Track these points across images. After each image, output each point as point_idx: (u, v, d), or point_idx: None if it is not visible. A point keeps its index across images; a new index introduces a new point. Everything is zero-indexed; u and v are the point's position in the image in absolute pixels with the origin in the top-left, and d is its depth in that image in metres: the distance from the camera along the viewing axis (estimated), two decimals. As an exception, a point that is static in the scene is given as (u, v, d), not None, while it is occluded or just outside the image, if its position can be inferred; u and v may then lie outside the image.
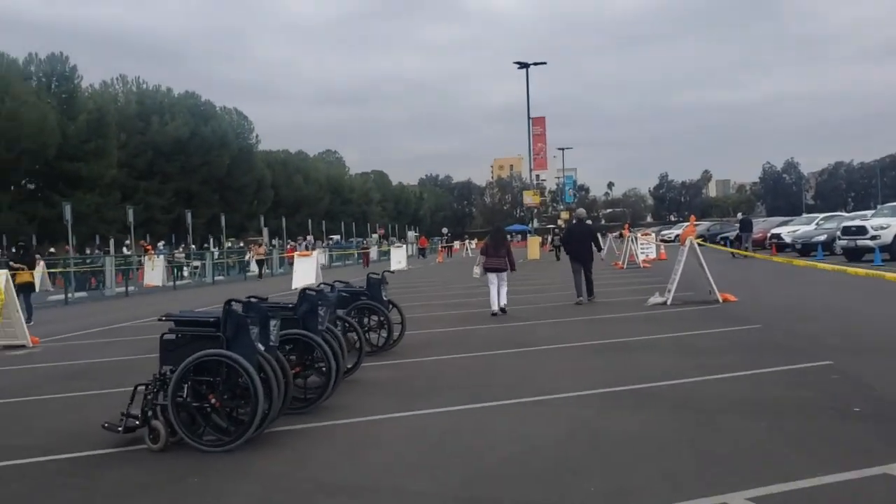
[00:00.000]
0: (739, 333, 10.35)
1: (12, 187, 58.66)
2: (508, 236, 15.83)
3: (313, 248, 52.92)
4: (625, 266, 29.99)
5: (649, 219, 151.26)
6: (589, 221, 20.00)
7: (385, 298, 10.04)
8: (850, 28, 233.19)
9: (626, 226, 39.07)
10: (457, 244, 72.83)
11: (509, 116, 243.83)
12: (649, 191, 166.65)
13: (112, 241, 31.77)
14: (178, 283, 33.66)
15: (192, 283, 33.36)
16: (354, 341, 8.37)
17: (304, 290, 6.87)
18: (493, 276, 14.28)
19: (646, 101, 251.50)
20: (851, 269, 8.45)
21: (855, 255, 26.71)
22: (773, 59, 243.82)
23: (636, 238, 32.23)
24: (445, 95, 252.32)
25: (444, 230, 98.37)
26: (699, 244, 14.97)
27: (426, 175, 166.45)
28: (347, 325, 8.42)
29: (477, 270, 14.91)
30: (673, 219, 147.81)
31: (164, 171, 71.10)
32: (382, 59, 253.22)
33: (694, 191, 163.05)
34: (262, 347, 5.62)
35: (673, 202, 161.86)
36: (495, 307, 14.16)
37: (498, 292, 14.23)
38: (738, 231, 37.54)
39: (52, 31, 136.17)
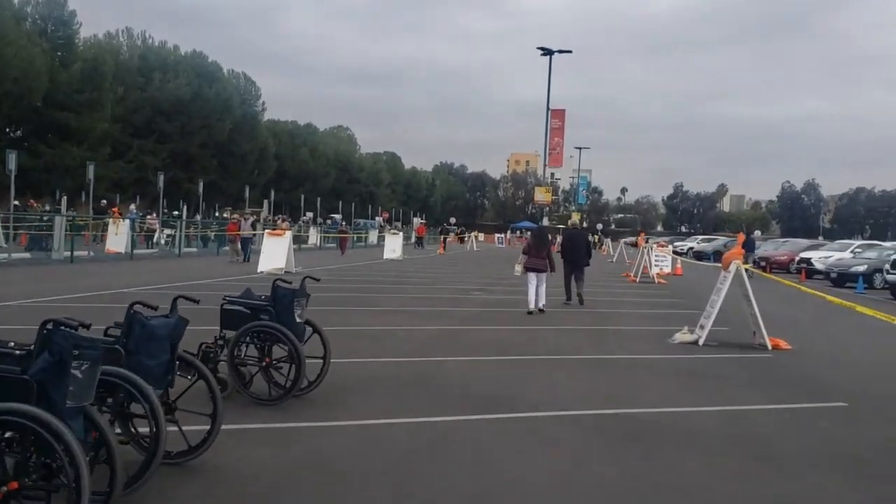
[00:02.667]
0: (820, 416, 7.01)
1: (-3, 132, 55.48)
2: (550, 236, 16.85)
3: (308, 225, 49.53)
4: (637, 279, 26.63)
5: (660, 228, 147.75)
6: (599, 225, 19.22)
7: (298, 319, 6.69)
8: (884, 52, 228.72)
9: (641, 234, 35.57)
10: (452, 235, 68.73)
11: (531, 111, 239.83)
12: (663, 199, 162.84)
13: (64, 199, 28.32)
14: (139, 250, 30.39)
15: (155, 254, 29.98)
16: (209, 390, 5.03)
17: (47, 325, 3.47)
18: (532, 276, 14.47)
19: (668, 109, 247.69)
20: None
21: (905, 293, 23.50)
22: (802, 78, 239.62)
23: (651, 249, 28.78)
24: (469, 85, 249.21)
25: (452, 220, 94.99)
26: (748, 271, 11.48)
27: (440, 162, 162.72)
28: (195, 371, 5.06)
29: (518, 269, 15.39)
30: (684, 230, 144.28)
31: (163, 130, 67.79)
32: (411, 44, 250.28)
33: (708, 203, 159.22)
34: None
35: (686, 213, 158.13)
36: (532, 306, 14.34)
37: (537, 292, 14.41)
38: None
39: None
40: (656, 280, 26.41)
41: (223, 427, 5.55)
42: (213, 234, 37.25)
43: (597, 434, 6.09)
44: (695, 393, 7.79)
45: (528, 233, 17.23)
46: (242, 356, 6.72)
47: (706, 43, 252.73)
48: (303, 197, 62.45)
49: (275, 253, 23.12)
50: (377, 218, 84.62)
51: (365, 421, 6.16)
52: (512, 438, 5.86)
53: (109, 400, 4.22)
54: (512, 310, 15.20)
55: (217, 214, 51.85)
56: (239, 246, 27.55)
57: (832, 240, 65.37)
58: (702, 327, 11.29)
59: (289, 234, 23.98)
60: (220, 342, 6.73)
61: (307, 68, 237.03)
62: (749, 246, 35.47)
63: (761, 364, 9.77)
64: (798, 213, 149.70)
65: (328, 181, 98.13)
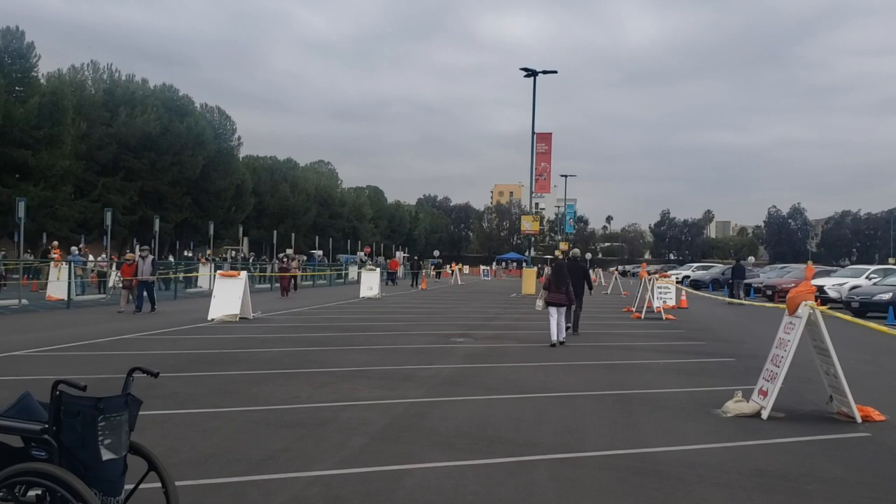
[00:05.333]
0: None
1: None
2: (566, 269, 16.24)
3: (292, 261, 46.33)
4: (642, 315, 23.63)
5: (648, 256, 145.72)
6: (588, 255, 20.29)
7: (109, 453, 3.60)
8: (858, 80, 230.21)
9: (644, 265, 32.57)
10: (431, 268, 64.73)
11: (514, 143, 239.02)
12: (650, 227, 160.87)
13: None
14: (90, 296, 27.31)
15: (103, 301, 26.68)
16: None
17: None
18: (553, 310, 14.94)
19: (651, 138, 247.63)
20: None
21: (947, 324, 20.60)
22: (780, 104, 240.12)
23: (653, 281, 25.75)
24: (452, 119, 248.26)
25: (436, 252, 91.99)
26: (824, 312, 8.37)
27: (424, 195, 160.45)
28: None
29: (539, 304, 15.94)
30: (673, 257, 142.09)
31: (130, 167, 64.55)
32: (393, 80, 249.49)
33: (695, 230, 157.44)
34: None
35: (673, 240, 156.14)
36: (554, 338, 14.78)
37: (557, 324, 14.80)
38: (729, 277, 34.78)
39: (75, 28, 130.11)
40: (663, 315, 23.46)
41: None
42: (179, 275, 33.93)
43: None
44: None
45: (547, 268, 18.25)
46: (6, 523, 3.64)
47: (682, 75, 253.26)
48: (275, 233, 58.96)
49: (228, 297, 19.98)
50: (359, 253, 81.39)
51: None
52: None
53: None
54: (503, 365, 12.07)
55: (186, 254, 48.46)
56: (135, 292, 21.91)
57: (821, 264, 62.86)
58: (763, 394, 8.25)
59: (244, 274, 20.86)
60: (-31, 496, 3.67)
61: (288, 106, 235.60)
62: (738, 273, 32.82)
63: (865, 452, 6.73)
64: (786, 238, 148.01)
65: (309, 217, 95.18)
